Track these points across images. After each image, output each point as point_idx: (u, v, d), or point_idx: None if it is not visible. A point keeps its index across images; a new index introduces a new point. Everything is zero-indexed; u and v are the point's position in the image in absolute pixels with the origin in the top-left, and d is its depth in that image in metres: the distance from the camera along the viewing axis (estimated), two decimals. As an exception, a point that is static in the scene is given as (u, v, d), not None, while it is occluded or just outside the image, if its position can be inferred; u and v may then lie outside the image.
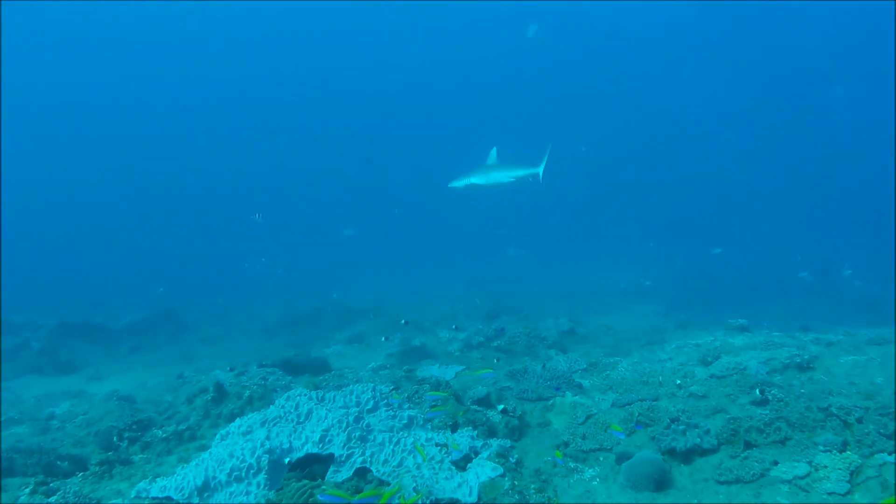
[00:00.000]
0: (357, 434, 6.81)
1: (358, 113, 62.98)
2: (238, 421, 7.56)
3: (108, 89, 59.62)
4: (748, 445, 7.15)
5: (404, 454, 6.59)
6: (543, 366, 10.91)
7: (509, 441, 7.85)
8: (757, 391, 8.30)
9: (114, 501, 6.59)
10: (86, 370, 15.67)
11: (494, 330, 14.95)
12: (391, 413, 7.44)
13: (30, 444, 8.77)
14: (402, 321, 12.01)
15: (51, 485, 7.01)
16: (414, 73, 63.62)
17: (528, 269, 31.50)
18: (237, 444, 6.64)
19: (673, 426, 7.63)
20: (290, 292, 23.37)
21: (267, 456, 6.26)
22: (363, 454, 6.52)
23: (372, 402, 7.55)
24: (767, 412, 7.66)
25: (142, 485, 6.77)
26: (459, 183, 11.98)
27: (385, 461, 6.48)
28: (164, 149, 62.60)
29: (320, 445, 6.71)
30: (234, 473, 6.05)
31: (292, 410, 7.31)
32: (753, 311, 18.16)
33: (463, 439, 7.29)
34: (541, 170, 11.90)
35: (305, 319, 20.66)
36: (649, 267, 28.80)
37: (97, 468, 7.40)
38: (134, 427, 8.63)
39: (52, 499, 6.70)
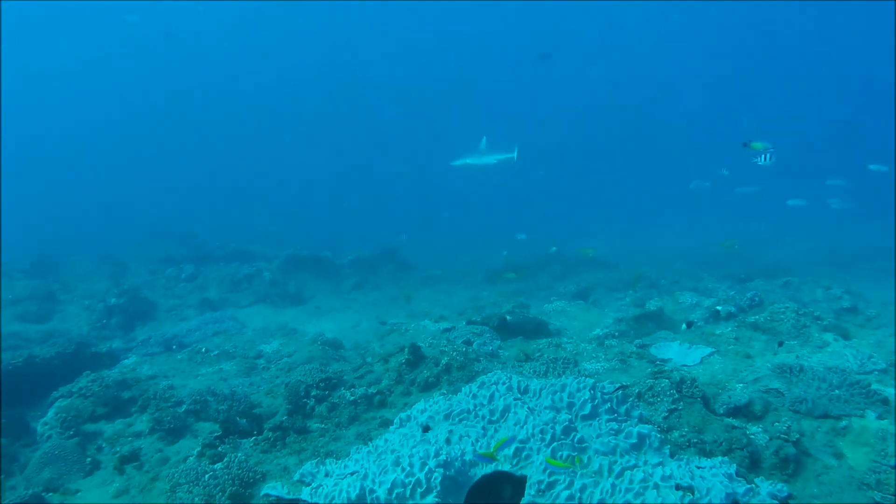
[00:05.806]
0: (565, 453, 4.92)
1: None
2: (422, 403, 6.13)
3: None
4: None
5: (629, 496, 4.55)
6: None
7: (784, 486, 5.39)
8: None
9: (274, 484, 5.61)
10: (310, 303, 15.91)
11: (749, 299, 11.98)
12: (614, 425, 5.38)
13: (225, 388, 8.45)
14: None
15: (219, 448, 6.30)
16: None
17: (764, 211, 26.61)
18: (409, 443, 5.18)
19: None
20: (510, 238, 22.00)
21: (441, 470, 4.68)
22: (570, 486, 4.62)
23: (590, 406, 5.55)
24: None
25: (308, 466, 5.72)
26: (458, 162, 14.80)
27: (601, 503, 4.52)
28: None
29: (514, 461, 4.96)
30: (396, 490, 4.58)
31: (485, 403, 5.63)
32: None
33: (715, 478, 5.00)
34: (514, 154, 15.01)
35: (529, 268, 19.14)
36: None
37: (270, 434, 6.56)
38: (321, 385, 7.76)
39: (217, 466, 5.95)
